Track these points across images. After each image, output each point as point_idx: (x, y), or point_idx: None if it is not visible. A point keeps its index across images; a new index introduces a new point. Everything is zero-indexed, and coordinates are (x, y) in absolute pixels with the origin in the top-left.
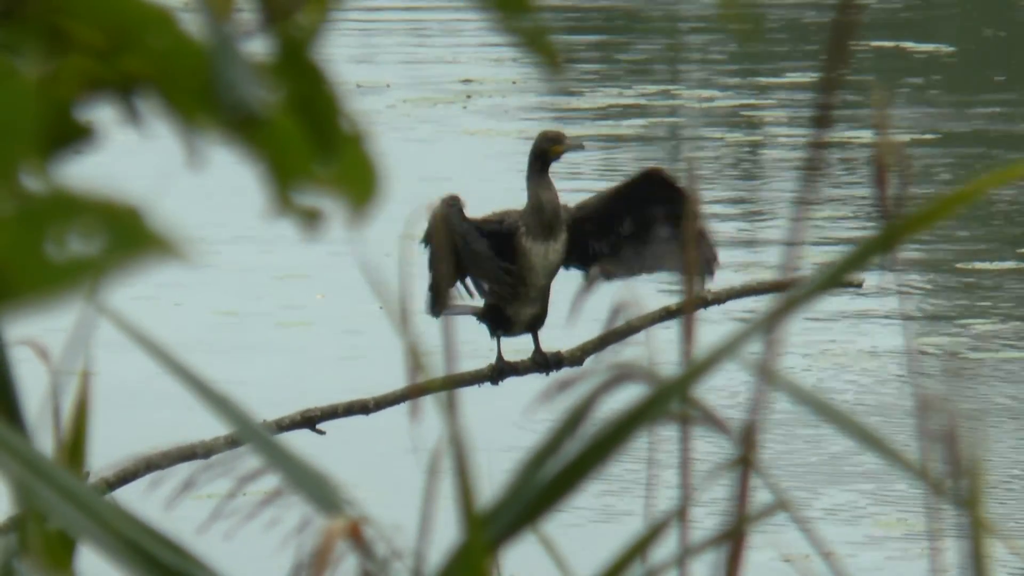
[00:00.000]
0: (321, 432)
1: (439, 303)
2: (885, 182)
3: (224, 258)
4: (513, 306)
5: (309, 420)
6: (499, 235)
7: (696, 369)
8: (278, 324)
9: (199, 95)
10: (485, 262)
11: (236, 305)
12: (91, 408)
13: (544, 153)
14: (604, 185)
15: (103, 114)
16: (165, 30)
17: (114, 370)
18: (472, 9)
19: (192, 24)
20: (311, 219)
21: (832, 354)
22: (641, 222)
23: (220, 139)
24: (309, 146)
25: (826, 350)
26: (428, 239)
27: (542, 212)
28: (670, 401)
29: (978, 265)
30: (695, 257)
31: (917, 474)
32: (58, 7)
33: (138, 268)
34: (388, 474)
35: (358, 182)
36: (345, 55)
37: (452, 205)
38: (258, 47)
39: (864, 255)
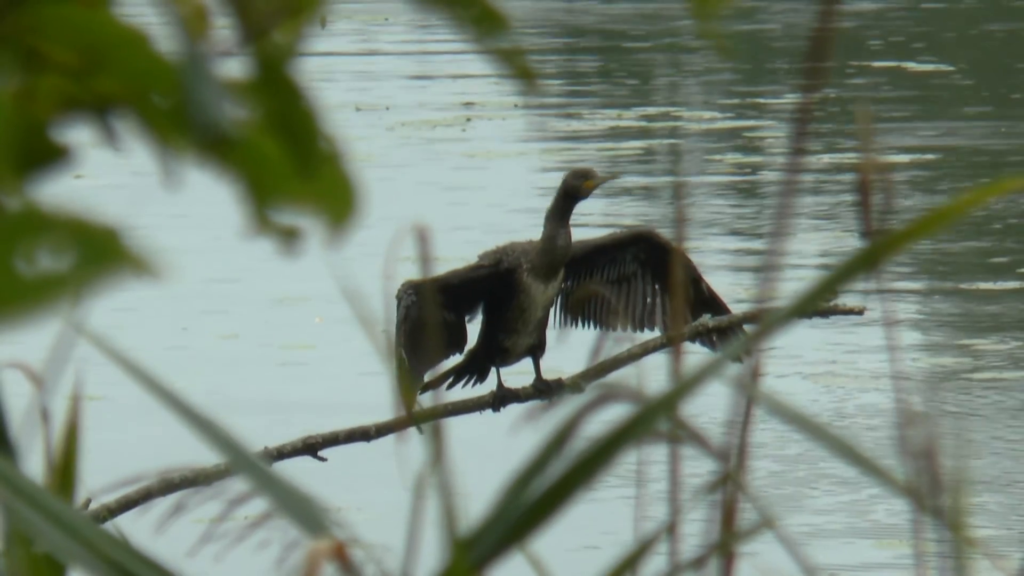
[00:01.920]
0: (323, 459)
1: (404, 378)
2: (869, 200)
3: (225, 281)
4: (511, 338)
5: (310, 447)
6: (493, 277)
7: (681, 388)
8: (280, 347)
9: (173, 116)
10: (423, 361)
11: (237, 328)
12: (81, 431)
13: (575, 191)
14: (602, 207)
15: (80, 134)
16: (138, 50)
17: (110, 386)
18: (452, 29)
19: (167, 44)
20: (289, 237)
21: (832, 374)
22: (617, 280)
23: (196, 159)
24: (287, 165)
25: (827, 370)
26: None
27: (553, 255)
28: (655, 420)
29: (981, 285)
30: (681, 310)
31: (900, 490)
32: (32, 27)
33: (109, 285)
34: (391, 497)
35: (336, 201)
36: (345, 76)
37: (403, 296)
38: (235, 66)
39: (847, 273)
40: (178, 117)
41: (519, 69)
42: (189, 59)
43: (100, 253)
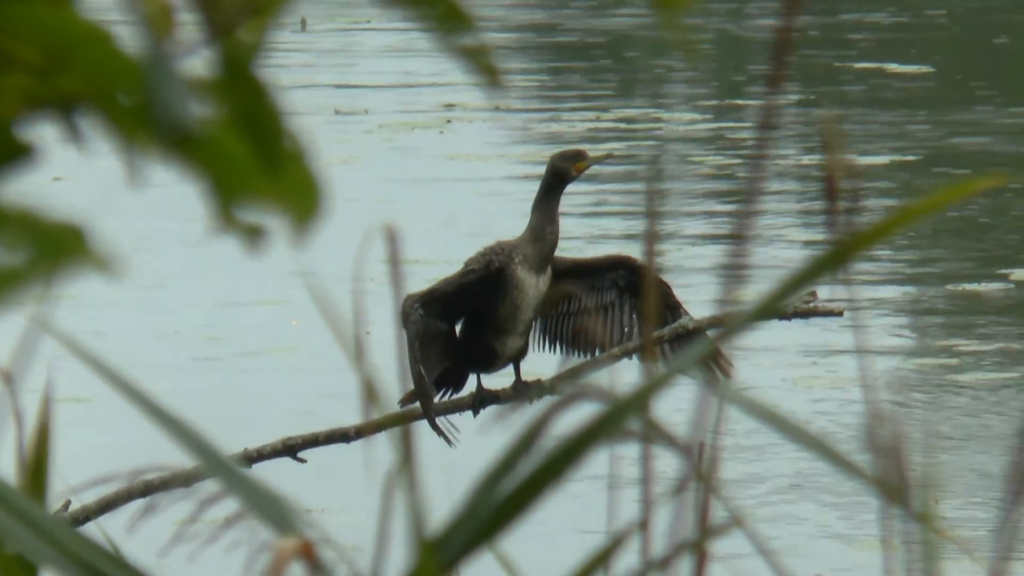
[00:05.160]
0: (302, 460)
1: (425, 396)
2: (835, 200)
3: (207, 283)
4: (501, 339)
5: (290, 449)
6: (485, 279)
7: (650, 387)
8: (261, 350)
9: (137, 114)
10: (419, 380)
11: (219, 332)
12: (52, 432)
13: (564, 173)
14: (581, 212)
15: (45, 132)
16: (103, 49)
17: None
18: (416, 27)
19: (131, 42)
20: (254, 236)
21: (811, 377)
22: (595, 307)
23: (160, 157)
24: (252, 162)
25: (807, 374)
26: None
27: (544, 242)
28: (624, 419)
29: (965, 287)
30: (653, 320)
31: (871, 484)
32: None
33: (64, 279)
34: (374, 499)
35: (301, 199)
36: (325, 79)
37: (410, 312)
38: (201, 63)
39: (813, 273)
40: (142, 115)
41: (484, 67)
42: (154, 57)
43: (56, 249)
